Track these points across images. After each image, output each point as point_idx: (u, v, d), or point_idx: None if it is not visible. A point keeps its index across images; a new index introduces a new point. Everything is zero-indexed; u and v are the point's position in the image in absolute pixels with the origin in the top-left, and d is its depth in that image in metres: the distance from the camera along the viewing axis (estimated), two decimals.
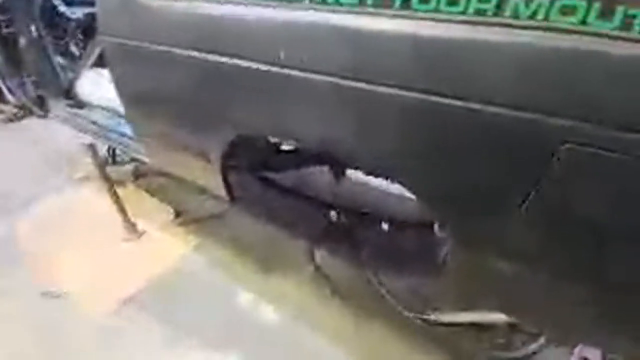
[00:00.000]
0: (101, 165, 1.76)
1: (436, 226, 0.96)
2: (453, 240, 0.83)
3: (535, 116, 0.56)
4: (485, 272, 0.80)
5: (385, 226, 1.39)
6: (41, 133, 2.91)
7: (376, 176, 1.14)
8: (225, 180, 1.27)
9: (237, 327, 1.50)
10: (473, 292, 0.95)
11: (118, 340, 1.45)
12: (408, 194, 0.85)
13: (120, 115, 1.83)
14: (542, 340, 1.46)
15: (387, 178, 0.94)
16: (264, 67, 0.85)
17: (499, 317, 1.43)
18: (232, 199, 1.35)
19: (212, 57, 0.93)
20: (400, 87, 0.66)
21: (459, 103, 0.61)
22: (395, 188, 1.84)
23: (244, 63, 0.88)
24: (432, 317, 1.48)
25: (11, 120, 3.21)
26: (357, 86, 0.72)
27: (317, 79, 0.76)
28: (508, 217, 0.67)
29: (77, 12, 1.98)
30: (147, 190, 2.34)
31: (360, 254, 1.73)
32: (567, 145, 0.55)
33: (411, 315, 1.52)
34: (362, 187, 2.16)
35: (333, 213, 1.46)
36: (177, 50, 1.00)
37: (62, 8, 1.92)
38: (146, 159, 1.67)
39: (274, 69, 0.83)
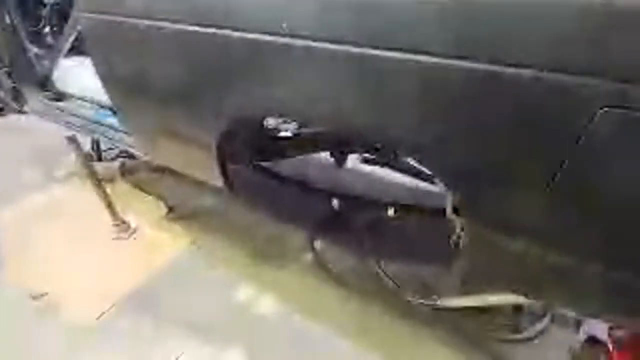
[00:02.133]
0: (85, 159, 1.65)
1: (448, 209, 0.92)
2: (472, 221, 0.79)
3: (571, 78, 0.52)
4: (508, 254, 0.77)
5: (390, 211, 1.35)
6: (29, 127, 2.75)
7: (390, 154, 1.08)
8: (222, 169, 1.20)
9: (237, 321, 1.45)
10: (491, 276, 0.92)
11: (101, 344, 1.37)
12: (413, 181, 0.81)
13: (104, 106, 1.72)
14: (547, 320, 1.47)
15: (399, 156, 0.89)
16: (265, 39, 0.78)
17: (504, 299, 1.42)
18: (231, 188, 1.28)
19: (207, 31, 0.85)
20: (424, 52, 0.61)
21: (490, 67, 0.56)
22: (399, 176, 1.84)
23: (243, 35, 0.81)
24: (438, 302, 1.46)
25: None
26: (371, 53, 0.66)
27: (326, 48, 0.70)
28: (537, 191, 0.63)
29: None
30: (136, 187, 2.25)
31: (362, 241, 1.70)
32: (606, 110, 0.51)
33: (417, 301, 1.50)
34: (365, 174, 2.14)
35: (335, 201, 1.42)
36: (166, 24, 0.92)
37: None
38: (135, 152, 1.58)
39: (277, 39, 0.77)
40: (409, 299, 1.50)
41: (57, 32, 1.86)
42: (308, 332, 1.40)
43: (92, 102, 1.74)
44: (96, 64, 1.20)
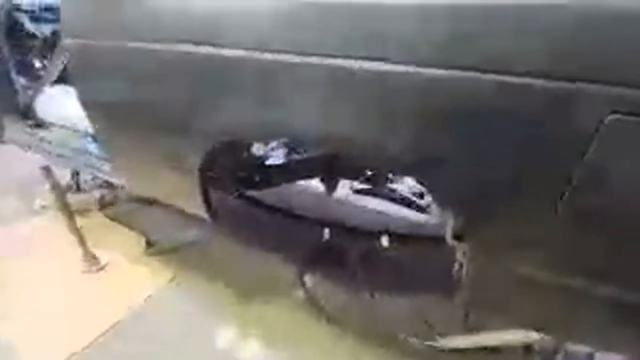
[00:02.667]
0: (58, 190, 1.56)
1: (448, 235, 0.85)
2: (475, 246, 0.72)
3: (578, 86, 0.48)
4: (516, 282, 0.69)
5: (384, 241, 1.27)
6: (10, 157, 2.64)
7: (388, 173, 1.01)
8: (205, 197, 1.12)
9: None
10: (497, 307, 0.82)
11: None
12: (407, 210, 0.75)
13: (87, 134, 1.66)
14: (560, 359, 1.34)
15: (398, 173, 0.82)
16: (246, 55, 0.75)
17: (512, 337, 1.30)
18: (214, 218, 1.19)
19: (184, 48, 0.82)
20: (422, 65, 0.57)
21: (494, 77, 0.53)
22: (390, 205, 1.77)
23: (224, 52, 0.78)
24: (440, 342, 1.33)
25: None
26: (369, 67, 0.62)
27: (315, 62, 0.67)
28: (546, 211, 0.57)
29: (44, 29, 1.86)
30: (114, 219, 2.12)
31: (355, 273, 1.58)
32: (615, 116, 0.47)
33: (416, 341, 1.36)
34: (357, 202, 2.06)
35: (325, 231, 1.33)
36: (145, 45, 0.89)
37: (28, 24, 1.79)
38: (114, 180, 1.49)
39: (258, 55, 0.73)
40: (409, 339, 1.37)
41: (46, 64, 1.85)
42: None
43: (73, 129, 1.68)
44: (77, 89, 1.16)
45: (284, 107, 0.76)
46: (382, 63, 0.61)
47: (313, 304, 1.53)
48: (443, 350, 1.33)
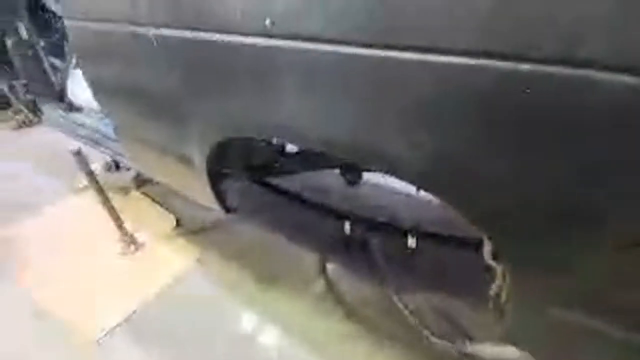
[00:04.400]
0: (91, 175, 1.61)
1: (486, 253, 0.71)
2: (515, 275, 0.58)
3: None
4: (555, 325, 0.55)
5: (411, 241, 1.14)
6: (52, 138, 2.84)
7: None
8: (215, 188, 1.07)
9: (239, 353, 1.31)
10: (538, 345, 0.70)
11: None
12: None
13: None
14: None
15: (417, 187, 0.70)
16: (247, 40, 0.63)
17: None
18: (227, 209, 1.15)
19: (192, 34, 0.72)
20: (446, 52, 0.43)
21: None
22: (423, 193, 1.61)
23: (229, 38, 0.67)
24: (469, 348, 1.22)
25: (21, 127, 3.17)
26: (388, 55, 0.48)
27: (327, 50, 0.54)
28: (600, 239, 0.42)
29: None
30: (150, 198, 2.20)
31: (380, 269, 1.50)
32: None
33: (443, 343, 1.27)
34: (382, 192, 1.93)
35: (347, 225, 1.24)
36: (149, 30, 0.80)
37: (51, 3, 1.77)
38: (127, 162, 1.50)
39: (261, 40, 0.61)
40: (433, 340, 1.28)
41: None
42: None
43: (96, 112, 1.70)
44: (84, 72, 1.13)
45: (282, 106, 0.64)
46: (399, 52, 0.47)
47: (333, 295, 1.48)
48: (469, 356, 1.24)
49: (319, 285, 1.54)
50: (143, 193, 2.25)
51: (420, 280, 1.41)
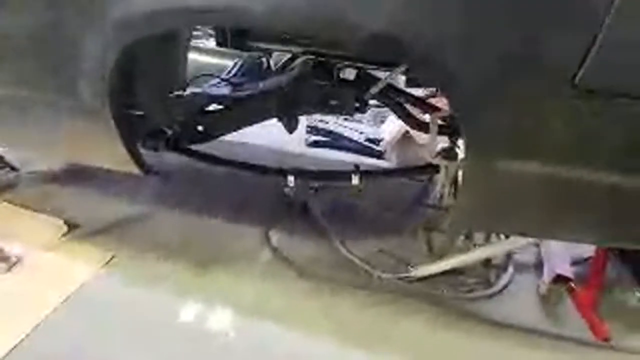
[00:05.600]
0: None
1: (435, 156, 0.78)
2: (473, 145, 0.64)
3: None
4: (522, 182, 0.64)
5: (355, 179, 1.18)
6: None
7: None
8: (126, 142, 0.87)
9: (186, 346, 1.13)
10: (495, 214, 0.80)
11: None
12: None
13: None
14: (511, 269, 1.49)
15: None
16: None
17: (476, 256, 1.40)
18: (145, 171, 0.96)
19: None
20: None
21: None
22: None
23: None
24: (413, 273, 1.36)
25: None
26: None
27: None
28: (557, 91, 0.51)
29: None
30: (21, 205, 1.70)
31: (323, 225, 1.52)
32: None
33: (390, 276, 1.38)
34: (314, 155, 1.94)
35: (290, 179, 1.19)
36: None
37: None
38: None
39: None
40: (384, 276, 1.38)
41: None
42: (278, 342, 1.16)
43: None
44: None
45: None
46: None
47: (281, 260, 1.44)
48: (414, 281, 1.38)
49: (265, 254, 1.46)
50: (6, 201, 1.72)
51: (362, 224, 1.49)
